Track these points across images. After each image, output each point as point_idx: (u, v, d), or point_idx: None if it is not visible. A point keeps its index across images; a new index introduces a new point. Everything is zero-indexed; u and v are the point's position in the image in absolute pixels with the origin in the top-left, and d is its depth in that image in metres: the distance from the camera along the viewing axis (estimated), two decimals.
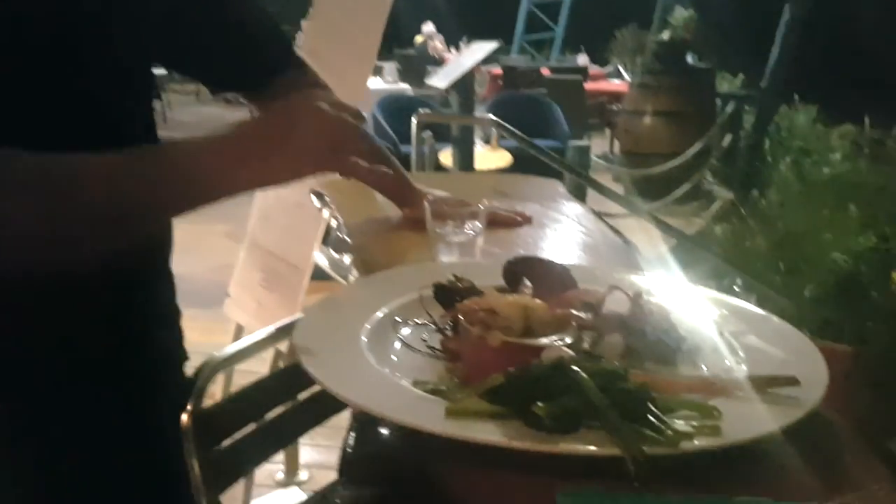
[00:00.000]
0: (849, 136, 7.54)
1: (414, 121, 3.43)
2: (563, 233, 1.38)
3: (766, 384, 0.72)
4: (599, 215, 1.52)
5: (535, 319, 0.75)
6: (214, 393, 2.32)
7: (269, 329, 1.26)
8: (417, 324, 0.91)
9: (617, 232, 1.41)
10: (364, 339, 0.84)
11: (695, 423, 0.64)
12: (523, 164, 4.52)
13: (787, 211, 5.40)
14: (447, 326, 0.84)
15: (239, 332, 2.38)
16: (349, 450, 0.72)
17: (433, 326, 0.89)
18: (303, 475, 2.75)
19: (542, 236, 1.35)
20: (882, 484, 0.59)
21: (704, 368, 0.82)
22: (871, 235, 4.74)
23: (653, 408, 0.63)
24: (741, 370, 0.78)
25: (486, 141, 5.62)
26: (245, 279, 2.34)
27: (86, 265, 0.78)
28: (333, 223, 1.44)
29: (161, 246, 1.06)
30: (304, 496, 2.59)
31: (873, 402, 0.77)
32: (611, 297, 0.89)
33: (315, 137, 0.84)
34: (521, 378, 0.66)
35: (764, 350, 0.83)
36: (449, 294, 0.87)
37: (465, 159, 3.92)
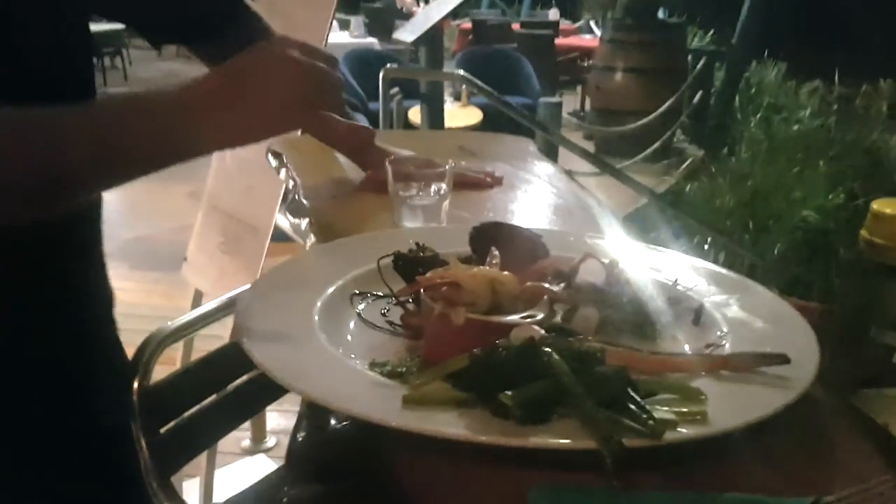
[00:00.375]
0: (818, 92, 7.54)
1: (381, 76, 3.31)
2: (535, 195, 1.31)
3: (754, 362, 0.66)
4: (571, 175, 1.45)
5: (504, 294, 0.68)
6: (175, 359, 2.23)
7: (221, 299, 1.18)
8: (378, 296, 0.84)
9: (590, 193, 1.35)
10: (316, 315, 0.77)
11: (678, 409, 0.58)
12: (494, 121, 4.43)
13: (757, 168, 5.40)
14: (408, 300, 0.77)
15: (198, 299, 2.30)
16: (298, 438, 0.66)
17: (393, 300, 0.82)
18: (270, 442, 2.69)
19: (513, 199, 1.27)
20: (882, 478, 0.54)
21: (686, 344, 0.76)
22: (841, 193, 4.76)
23: (633, 394, 0.57)
24: (725, 346, 0.73)
25: (457, 98, 5.51)
26: (203, 243, 2.25)
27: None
28: (290, 185, 1.35)
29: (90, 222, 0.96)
30: (271, 464, 2.54)
31: (840, 358, 0.73)
32: (585, 266, 0.82)
33: (287, 89, 0.75)
34: (487, 361, 0.60)
35: (748, 323, 0.77)
36: (410, 264, 0.80)
37: (434, 116, 3.82)
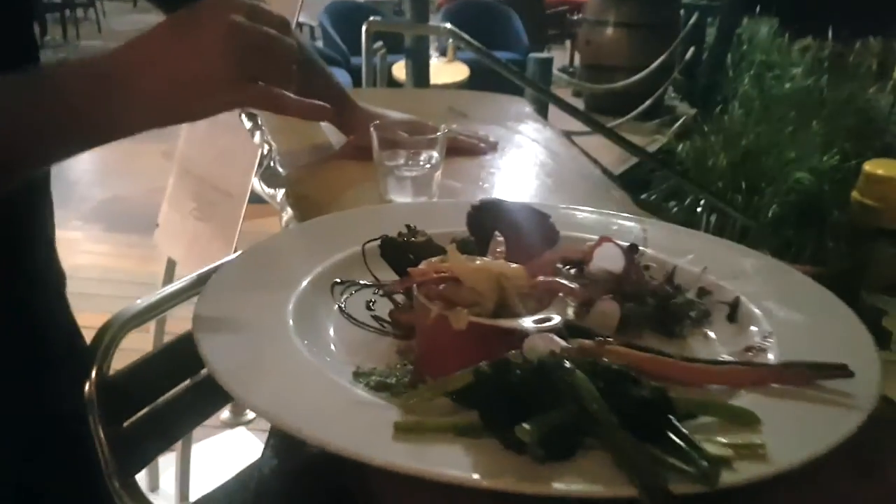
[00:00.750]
0: (810, 49, 7.39)
1: (364, 30, 3.15)
2: (533, 163, 1.19)
3: (811, 376, 0.55)
4: (572, 139, 1.33)
5: (512, 292, 0.57)
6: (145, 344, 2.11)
7: (190, 278, 1.05)
8: (363, 286, 0.73)
9: (594, 161, 1.23)
10: (290, 308, 0.65)
11: (732, 441, 0.47)
12: (481, 78, 4.27)
13: (749, 128, 5.27)
14: (399, 294, 0.66)
15: (171, 269, 2.17)
16: (265, 469, 0.55)
17: (380, 292, 0.70)
18: (251, 413, 2.59)
19: (509, 167, 1.16)
20: None
21: (720, 345, 0.65)
22: (836, 154, 4.66)
23: (677, 424, 0.46)
24: (770, 350, 0.62)
25: (443, 53, 5.33)
26: (175, 208, 2.12)
27: None
28: (265, 150, 1.23)
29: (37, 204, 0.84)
30: (252, 438, 2.45)
31: None
32: (600, 252, 0.71)
33: (219, 59, 0.62)
34: (496, 379, 0.49)
35: (793, 320, 0.66)
36: (399, 251, 0.69)
37: (419, 72, 3.66)
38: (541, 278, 0.59)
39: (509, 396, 0.48)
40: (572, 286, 0.58)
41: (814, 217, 4.23)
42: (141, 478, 0.95)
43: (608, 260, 0.71)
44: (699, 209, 4.17)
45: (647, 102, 5.46)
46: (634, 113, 5.39)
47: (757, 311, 0.68)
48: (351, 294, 0.72)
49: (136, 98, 0.62)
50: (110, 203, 4.54)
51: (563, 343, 0.51)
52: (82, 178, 4.90)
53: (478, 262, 0.58)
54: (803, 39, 7.53)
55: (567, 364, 0.48)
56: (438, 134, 0.96)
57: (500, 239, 0.65)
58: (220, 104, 0.65)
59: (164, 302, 0.98)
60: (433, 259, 0.62)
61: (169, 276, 2.21)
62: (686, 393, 0.54)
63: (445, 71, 4.97)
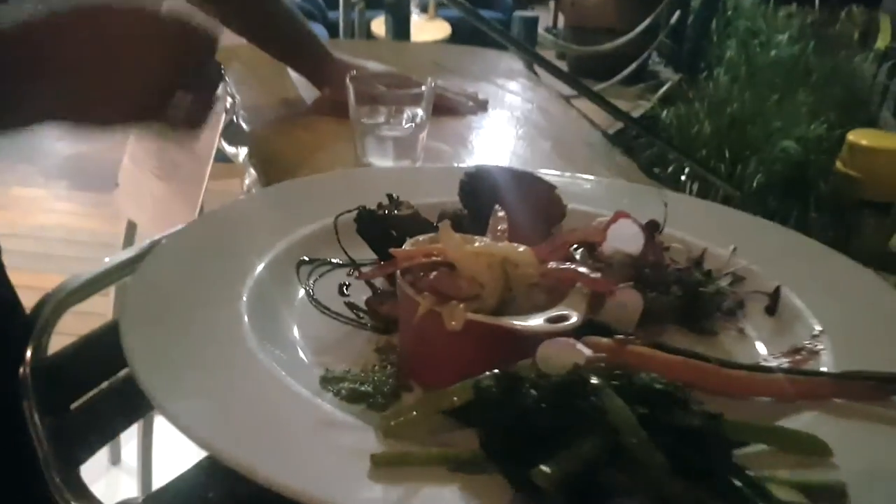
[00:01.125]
0: (796, 17, 7.28)
1: None
2: (527, 124, 1.08)
3: (878, 390, 0.45)
4: (569, 100, 1.22)
5: (520, 282, 0.46)
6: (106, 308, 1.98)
7: (139, 247, 0.93)
8: (336, 265, 0.61)
9: (595, 124, 1.12)
10: (245, 292, 0.54)
11: (803, 479, 0.37)
12: (464, 37, 4.12)
13: (735, 95, 5.18)
14: (378, 279, 0.55)
15: (131, 233, 2.03)
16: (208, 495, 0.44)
17: (355, 274, 0.59)
18: None
19: (500, 128, 1.04)
20: None
21: (760, 344, 0.55)
22: (824, 123, 4.58)
23: (737, 462, 0.36)
24: (821, 352, 0.52)
25: (423, 9, 5.14)
26: (135, 167, 1.97)
27: None
28: (229, 103, 1.10)
29: None
30: None
31: None
32: (614, 230, 0.60)
33: (140, 68, 0.50)
34: (503, 397, 0.38)
35: (844, 315, 0.56)
36: (379, 227, 0.57)
37: (399, 29, 3.49)
38: (552, 265, 0.48)
39: (520, 422, 0.37)
40: (595, 276, 0.47)
41: (800, 187, 4.16)
42: (103, 451, 0.84)
43: (624, 240, 0.60)
44: (683, 177, 4.08)
45: (632, 66, 5.33)
46: (619, 77, 5.25)
47: (799, 302, 0.57)
48: (321, 276, 0.60)
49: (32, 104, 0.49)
50: (76, 159, 4.35)
51: (587, 351, 0.40)
52: (47, 133, 4.69)
53: (477, 243, 0.47)
54: (788, 6, 7.42)
55: (595, 380, 0.37)
56: (424, 88, 0.84)
57: (502, 214, 0.54)
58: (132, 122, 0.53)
59: (110, 274, 0.86)
60: (420, 238, 0.51)
61: (129, 241, 2.08)
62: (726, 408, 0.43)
63: (426, 28, 4.80)
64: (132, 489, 1.99)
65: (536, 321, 0.43)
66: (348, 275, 0.61)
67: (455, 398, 0.40)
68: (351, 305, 0.57)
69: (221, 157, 1.80)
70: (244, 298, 0.53)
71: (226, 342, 0.48)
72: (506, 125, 1.06)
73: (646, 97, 5.52)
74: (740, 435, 0.40)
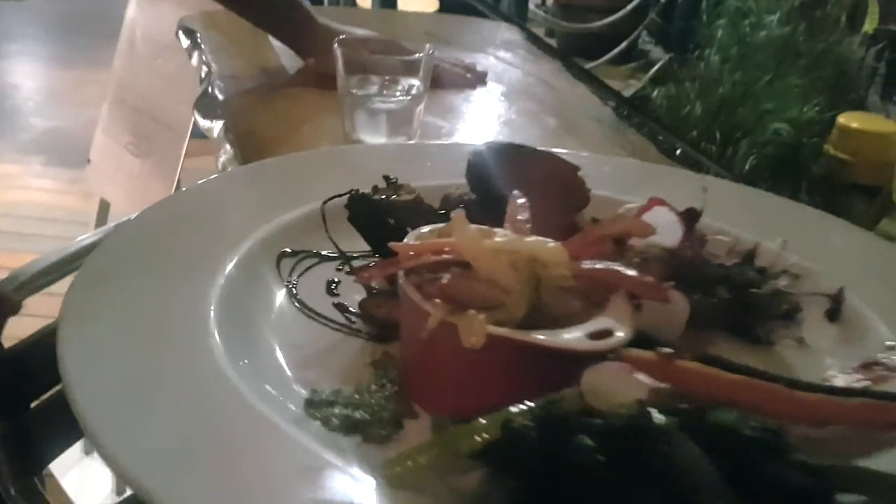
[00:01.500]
0: None
1: None
2: (533, 101, 0.98)
3: None
4: (578, 74, 1.13)
5: (553, 287, 0.37)
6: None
7: (102, 231, 0.84)
8: (324, 258, 0.52)
9: (610, 99, 1.03)
10: (215, 291, 0.45)
11: None
12: (451, 9, 3.99)
13: (725, 76, 5.11)
14: (375, 277, 0.46)
15: (104, 212, 1.93)
16: None
17: (345, 269, 0.50)
18: None
19: (502, 103, 0.95)
20: None
21: (825, 356, 0.47)
22: (816, 105, 4.52)
23: None
24: None
25: None
26: (109, 141, 1.87)
27: None
28: (204, 73, 1.00)
29: None
30: None
31: None
32: (648, 220, 0.52)
33: None
34: (541, 442, 0.29)
35: None
36: (375, 215, 0.48)
37: None
38: (587, 264, 0.39)
39: (566, 474, 0.28)
40: (645, 279, 0.38)
41: (791, 169, 4.11)
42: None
43: (659, 231, 0.51)
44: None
45: (622, 45, 5.24)
46: (609, 56, 5.16)
47: (866, 307, 0.49)
48: (305, 270, 0.51)
49: None
50: (51, 134, 4.21)
51: (647, 380, 0.32)
52: (22, 107, 4.54)
53: (497, 237, 0.38)
54: None
55: (662, 421, 0.29)
56: (422, 55, 0.75)
57: (523, 200, 0.45)
58: None
59: (62, 265, 0.77)
60: (425, 229, 0.42)
61: (102, 221, 1.97)
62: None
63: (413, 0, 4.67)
64: (105, 480, 1.90)
65: (575, 336, 0.34)
66: (338, 269, 0.52)
67: (478, 437, 0.31)
68: (341, 307, 0.48)
69: (200, 132, 1.70)
70: (212, 298, 0.44)
71: (187, 355, 0.39)
72: (506, 99, 0.96)
73: (636, 76, 5.44)
74: (851, 486, 0.32)
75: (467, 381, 0.36)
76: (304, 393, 0.39)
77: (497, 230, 0.40)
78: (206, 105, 0.93)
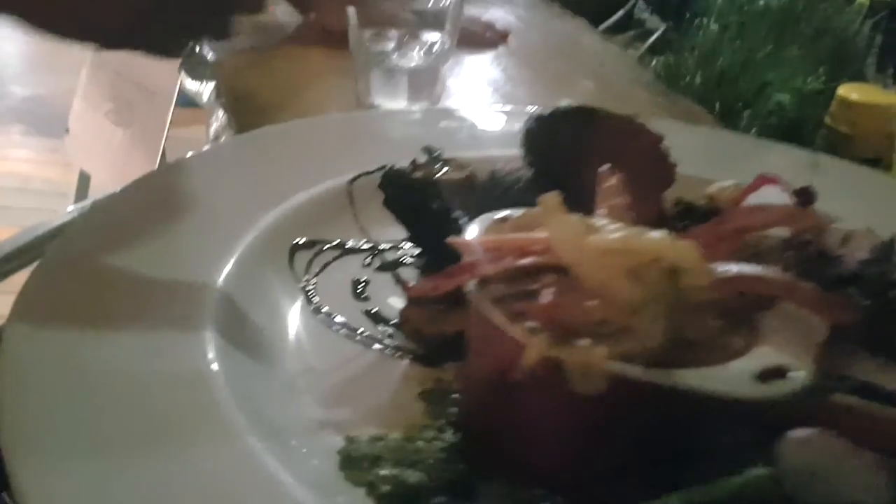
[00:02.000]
0: None
1: None
2: (562, 59, 0.87)
3: None
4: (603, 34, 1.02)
5: (698, 304, 0.26)
6: None
7: (67, 214, 0.73)
8: (347, 251, 0.42)
9: (639, 62, 0.93)
10: (212, 299, 0.34)
11: None
12: None
13: (724, 47, 5.01)
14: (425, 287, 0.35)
15: (84, 184, 1.81)
16: None
17: (370, 262, 0.40)
18: None
19: (533, 68, 0.84)
20: None
21: None
22: (822, 76, 4.44)
23: None
24: None
25: None
26: (88, 109, 1.74)
27: None
28: None
29: None
30: None
31: None
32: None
33: None
34: None
35: None
36: (417, 198, 0.37)
37: None
38: (724, 268, 0.28)
39: None
40: (826, 294, 0.28)
41: (794, 142, 4.02)
42: None
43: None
44: None
45: (618, 14, 5.12)
46: (604, 25, 5.05)
47: None
48: (325, 266, 0.40)
49: None
50: (31, 102, 4.06)
51: (875, 457, 0.22)
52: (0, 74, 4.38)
53: (614, 234, 0.27)
54: None
55: None
56: (448, 3, 0.64)
57: (615, 182, 0.34)
58: None
59: (25, 252, 0.65)
60: (496, 217, 0.31)
61: (82, 193, 1.85)
62: None
63: None
64: None
65: (741, 379, 0.24)
66: (364, 264, 0.41)
67: None
68: (374, 316, 0.37)
69: (186, 100, 1.58)
70: (208, 307, 0.34)
71: (176, 382, 0.29)
72: (534, 61, 0.85)
73: (633, 46, 5.35)
74: None
75: (571, 440, 0.25)
76: (336, 441, 0.29)
77: (597, 221, 0.29)
78: (193, 65, 0.81)
